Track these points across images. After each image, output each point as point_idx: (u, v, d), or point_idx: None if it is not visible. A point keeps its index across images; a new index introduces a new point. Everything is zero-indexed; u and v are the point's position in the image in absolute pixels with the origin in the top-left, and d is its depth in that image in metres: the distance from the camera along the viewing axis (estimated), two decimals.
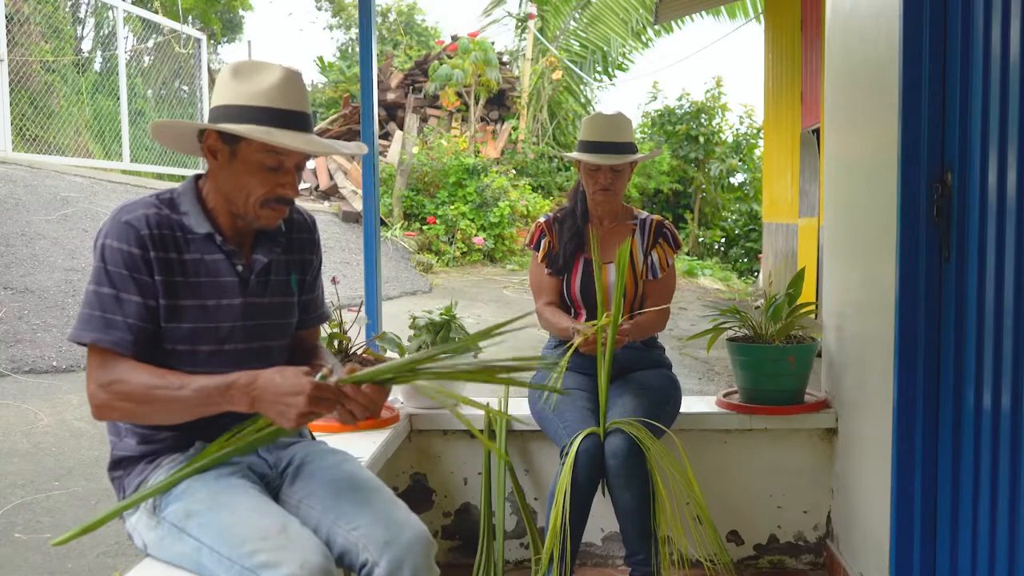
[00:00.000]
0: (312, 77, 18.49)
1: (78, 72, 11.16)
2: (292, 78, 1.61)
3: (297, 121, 1.61)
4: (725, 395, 2.85)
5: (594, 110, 13.07)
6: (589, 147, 2.54)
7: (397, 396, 2.75)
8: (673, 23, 13.68)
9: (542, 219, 2.71)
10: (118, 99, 10.37)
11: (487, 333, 1.58)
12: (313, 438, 1.90)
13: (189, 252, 1.64)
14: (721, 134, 14.07)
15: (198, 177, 1.71)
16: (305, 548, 1.48)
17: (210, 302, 1.65)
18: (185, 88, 12.47)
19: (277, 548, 1.46)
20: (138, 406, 1.55)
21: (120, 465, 1.70)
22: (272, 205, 1.63)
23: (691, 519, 2.49)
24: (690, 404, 2.77)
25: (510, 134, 12.62)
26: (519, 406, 2.73)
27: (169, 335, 1.62)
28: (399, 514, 1.61)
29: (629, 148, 2.56)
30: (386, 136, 12.30)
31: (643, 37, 14.74)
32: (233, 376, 1.52)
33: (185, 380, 1.53)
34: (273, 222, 1.67)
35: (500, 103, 13.08)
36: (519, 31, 14.70)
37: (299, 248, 1.82)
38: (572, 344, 2.39)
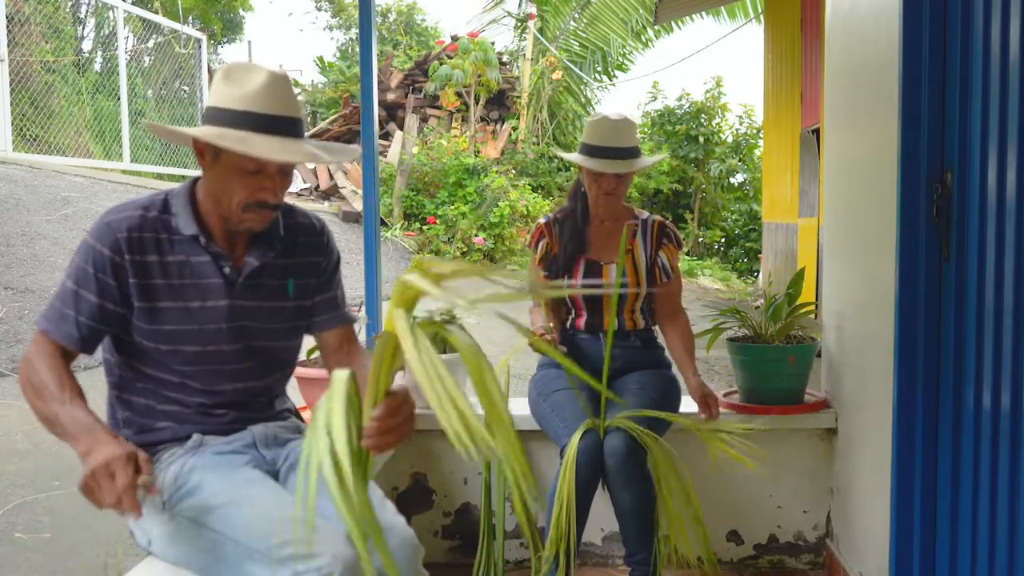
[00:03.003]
0: (312, 77, 18.50)
1: (78, 72, 11.16)
2: (277, 81, 1.58)
3: (279, 126, 1.57)
4: (725, 395, 2.85)
5: (594, 110, 13.08)
6: (593, 151, 2.49)
7: None
8: (673, 23, 13.68)
9: (542, 220, 2.70)
10: (118, 99, 10.37)
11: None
12: None
13: (173, 254, 1.65)
14: (721, 134, 14.05)
15: (197, 179, 1.71)
16: (334, 540, 1.48)
17: (194, 304, 1.65)
18: (185, 88, 12.47)
19: (307, 540, 1.46)
20: (34, 397, 1.54)
21: None
22: (254, 209, 1.62)
23: (691, 519, 2.49)
24: (690, 404, 2.77)
25: (510, 134, 12.62)
26: (519, 406, 2.73)
27: (150, 336, 1.63)
28: (385, 517, 1.59)
29: (634, 153, 2.53)
30: (386, 136, 12.31)
31: (643, 37, 14.74)
32: (88, 432, 1.47)
33: (72, 399, 1.51)
34: (257, 225, 1.65)
35: (500, 103, 13.08)
36: (519, 31, 14.70)
37: (303, 252, 1.81)
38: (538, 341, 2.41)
